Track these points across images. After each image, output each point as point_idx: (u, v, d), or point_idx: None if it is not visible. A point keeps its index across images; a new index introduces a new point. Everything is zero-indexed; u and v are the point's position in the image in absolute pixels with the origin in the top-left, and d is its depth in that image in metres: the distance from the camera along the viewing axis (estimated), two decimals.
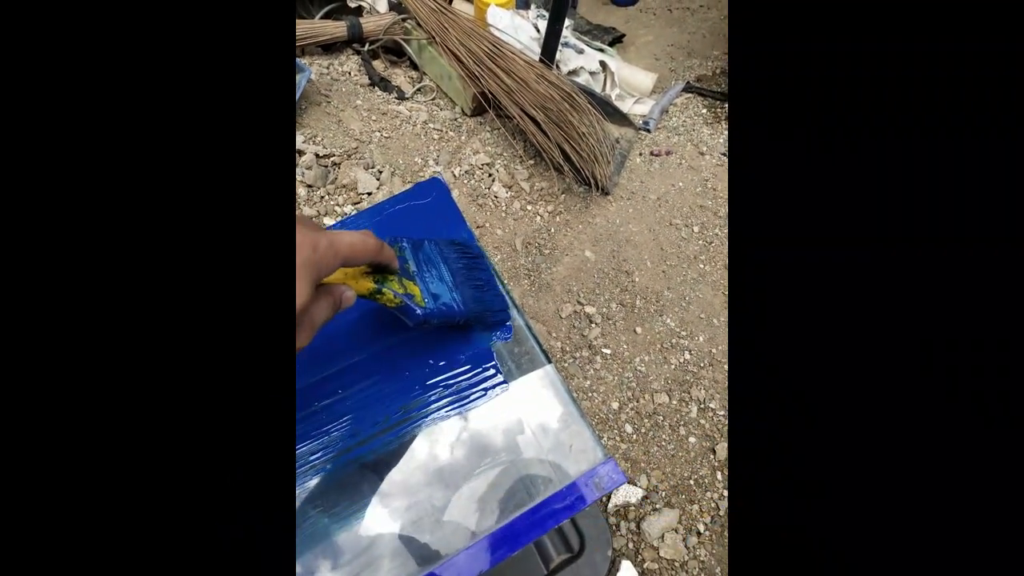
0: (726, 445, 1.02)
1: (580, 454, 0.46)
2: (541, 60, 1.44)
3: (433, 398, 0.48)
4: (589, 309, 1.18)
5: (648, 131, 1.62)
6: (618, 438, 1.02)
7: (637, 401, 1.07)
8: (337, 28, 1.56)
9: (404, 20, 1.60)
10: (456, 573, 0.41)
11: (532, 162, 1.42)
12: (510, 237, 1.27)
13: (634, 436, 1.03)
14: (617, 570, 0.86)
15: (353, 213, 1.21)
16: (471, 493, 0.44)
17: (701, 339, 1.17)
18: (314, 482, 0.44)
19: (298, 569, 0.40)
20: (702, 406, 1.07)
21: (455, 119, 1.51)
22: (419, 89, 1.58)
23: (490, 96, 1.41)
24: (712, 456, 1.02)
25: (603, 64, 1.68)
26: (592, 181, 1.33)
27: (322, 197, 1.23)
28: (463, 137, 1.47)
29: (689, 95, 1.82)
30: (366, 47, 1.62)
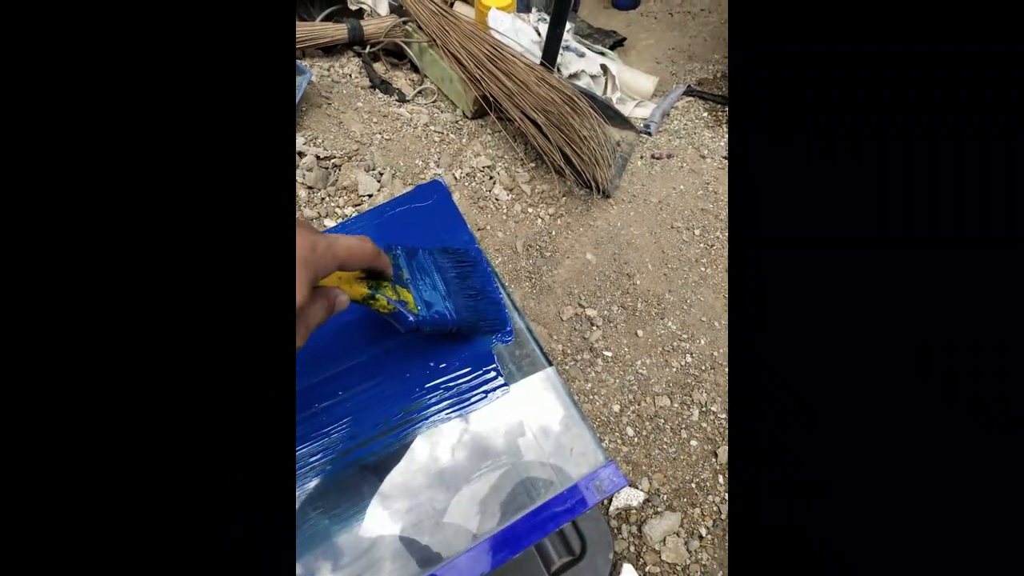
0: (727, 448, 1.02)
1: (581, 457, 0.46)
2: (542, 63, 1.44)
3: (433, 400, 0.48)
4: (590, 312, 1.18)
5: (649, 134, 1.62)
6: (619, 441, 1.02)
7: (638, 404, 1.07)
8: (338, 30, 1.57)
9: (405, 23, 1.60)
10: (457, 575, 0.41)
11: (533, 165, 1.42)
12: (511, 240, 1.28)
13: (635, 439, 1.03)
14: (618, 573, 0.86)
15: (353, 215, 1.21)
16: (472, 495, 0.44)
17: (702, 342, 1.17)
18: (314, 484, 0.44)
19: (300, 570, 0.40)
20: (704, 409, 1.07)
21: (456, 122, 1.52)
22: (420, 92, 1.59)
23: (491, 99, 1.41)
24: (714, 459, 1.01)
25: (604, 67, 1.68)
26: (593, 184, 1.33)
27: (323, 199, 1.23)
28: (464, 140, 1.47)
29: (690, 99, 1.82)
30: (367, 49, 1.63)
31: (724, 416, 1.07)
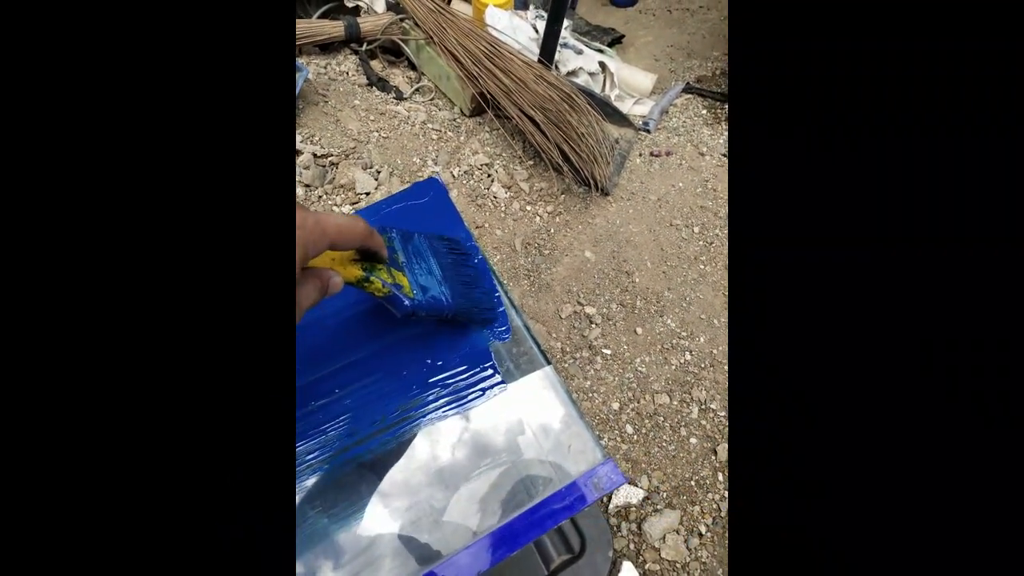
0: (727, 446, 1.02)
1: (579, 455, 0.46)
2: (540, 61, 1.44)
3: (431, 398, 0.48)
4: (589, 310, 1.18)
5: (648, 132, 1.62)
6: (619, 439, 1.02)
7: (638, 402, 1.07)
8: (335, 28, 1.56)
9: (402, 20, 1.60)
10: (456, 572, 0.41)
11: (531, 162, 1.42)
12: (509, 237, 1.27)
13: (635, 437, 1.03)
14: (618, 571, 0.86)
15: (351, 213, 1.21)
16: (471, 493, 0.44)
17: (702, 340, 1.17)
18: (312, 481, 0.44)
19: (300, 569, 0.40)
20: (703, 407, 1.07)
21: (454, 119, 1.51)
22: (417, 89, 1.58)
23: (489, 96, 1.41)
24: (713, 457, 1.01)
25: (602, 65, 1.68)
26: (592, 182, 1.33)
27: (320, 197, 1.23)
28: (462, 137, 1.47)
29: (689, 96, 1.82)
30: (364, 47, 1.62)
31: (723, 414, 1.07)
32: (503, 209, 1.32)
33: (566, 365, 1.10)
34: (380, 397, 0.47)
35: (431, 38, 1.52)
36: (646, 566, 0.89)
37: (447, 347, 0.50)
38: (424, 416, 0.47)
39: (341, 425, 0.46)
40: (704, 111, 1.76)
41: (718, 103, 1.79)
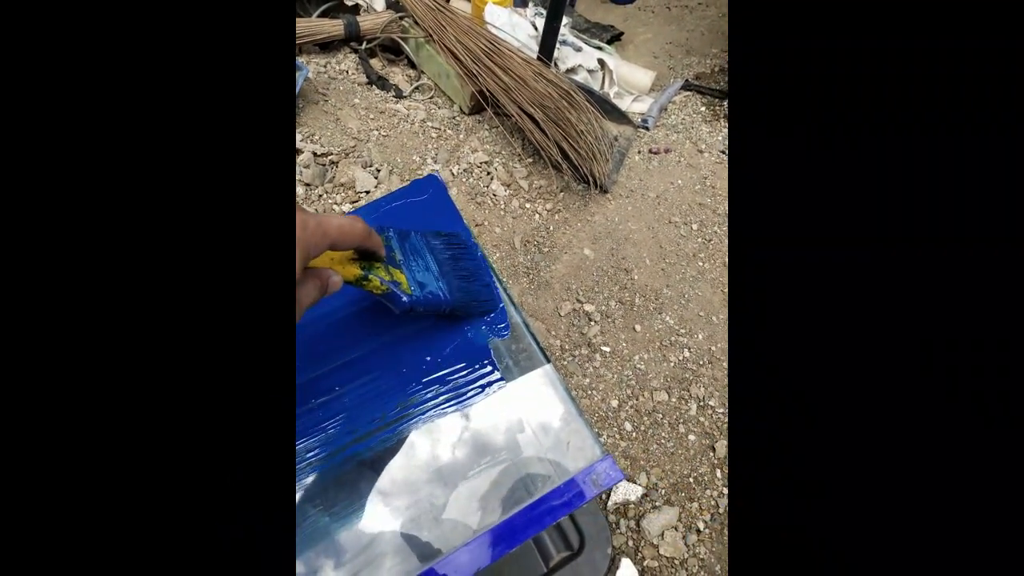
0: (725, 443, 1.02)
1: (578, 452, 0.47)
2: (539, 58, 1.44)
3: (430, 395, 0.48)
4: (588, 307, 1.18)
5: (647, 129, 1.62)
6: (617, 436, 1.02)
7: (636, 399, 1.07)
8: (334, 26, 1.56)
9: (401, 18, 1.60)
10: (456, 569, 0.41)
11: (531, 160, 1.42)
12: (509, 235, 1.27)
13: (633, 434, 1.03)
14: (617, 568, 0.86)
15: (350, 211, 1.21)
16: (471, 491, 0.44)
17: (700, 337, 1.17)
18: (312, 479, 0.44)
19: (301, 568, 0.41)
20: (701, 404, 1.08)
21: (453, 117, 1.51)
22: (417, 87, 1.58)
23: (488, 94, 1.41)
24: (712, 454, 1.02)
25: (601, 62, 1.68)
26: (591, 179, 1.33)
27: (320, 196, 1.23)
28: (461, 135, 1.46)
29: (688, 93, 1.82)
30: (363, 45, 1.62)
31: (722, 410, 1.07)
32: (502, 207, 1.32)
33: (565, 363, 1.10)
34: (380, 394, 0.47)
35: (430, 36, 1.52)
36: (645, 563, 0.89)
37: (447, 344, 0.50)
38: (424, 413, 0.47)
39: (341, 423, 0.46)
40: (703, 108, 1.76)
41: (717, 100, 1.78)
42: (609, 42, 1.95)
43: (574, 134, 1.30)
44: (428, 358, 0.49)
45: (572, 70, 1.64)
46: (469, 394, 0.48)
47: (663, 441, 1.03)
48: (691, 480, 0.99)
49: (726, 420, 1.05)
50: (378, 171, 1.30)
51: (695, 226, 1.37)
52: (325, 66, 1.56)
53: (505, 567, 0.67)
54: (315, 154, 1.28)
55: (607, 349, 1.13)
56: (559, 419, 0.48)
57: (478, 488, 0.44)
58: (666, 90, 1.77)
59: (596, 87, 1.65)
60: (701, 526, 0.93)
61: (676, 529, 0.92)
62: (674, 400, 1.08)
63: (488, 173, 1.37)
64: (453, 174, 1.35)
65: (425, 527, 0.43)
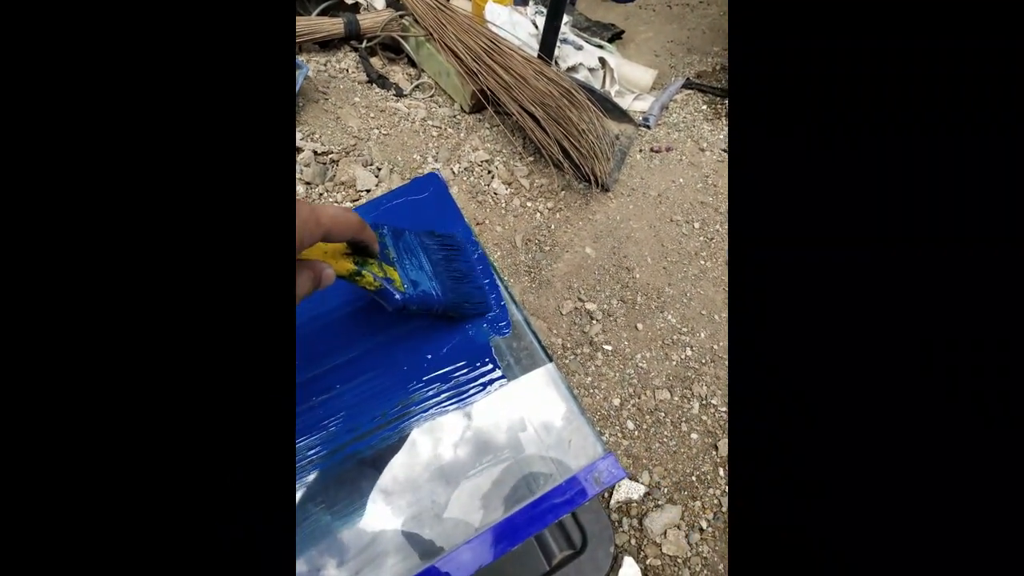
0: (728, 444, 1.02)
1: (580, 450, 0.47)
2: (540, 57, 1.44)
3: (431, 393, 0.48)
4: (590, 306, 1.18)
5: (648, 127, 1.62)
6: (620, 434, 1.02)
7: (638, 397, 1.07)
8: (334, 25, 1.56)
9: (401, 17, 1.59)
10: (458, 567, 0.41)
11: (532, 159, 1.42)
12: (510, 234, 1.27)
13: (636, 432, 1.03)
14: (620, 566, 0.86)
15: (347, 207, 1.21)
16: (472, 490, 0.44)
17: (702, 335, 1.17)
18: (313, 477, 0.44)
19: (304, 567, 0.41)
20: (704, 402, 1.07)
21: (454, 116, 1.51)
22: (417, 86, 1.58)
23: (489, 93, 1.41)
24: (714, 452, 1.02)
25: (602, 60, 1.68)
26: (592, 178, 1.33)
27: (320, 194, 1.23)
28: (462, 134, 1.46)
29: (689, 91, 1.82)
30: (363, 44, 1.62)
31: (724, 409, 1.07)
32: (503, 205, 1.32)
33: (567, 361, 1.10)
34: (380, 392, 0.47)
35: (431, 35, 1.52)
36: (647, 561, 0.89)
37: (447, 343, 0.50)
38: (425, 411, 0.47)
39: (342, 421, 0.46)
40: (704, 107, 1.75)
41: (718, 99, 1.78)
42: (610, 40, 1.94)
43: (575, 132, 1.30)
44: (429, 356, 0.49)
45: (573, 68, 1.64)
46: (470, 392, 0.48)
47: (665, 440, 1.03)
48: (694, 479, 0.99)
49: (728, 422, 1.05)
50: (379, 170, 1.30)
51: (697, 225, 1.37)
52: (325, 65, 1.56)
53: (507, 565, 0.67)
54: (315, 153, 1.28)
55: (609, 347, 1.13)
56: (561, 417, 0.48)
57: (480, 486, 0.44)
58: (667, 88, 1.77)
59: (597, 85, 1.65)
60: (704, 525, 0.93)
61: (679, 528, 0.92)
62: (676, 399, 1.08)
63: (489, 172, 1.37)
64: (454, 172, 1.35)
65: (427, 525, 0.43)
